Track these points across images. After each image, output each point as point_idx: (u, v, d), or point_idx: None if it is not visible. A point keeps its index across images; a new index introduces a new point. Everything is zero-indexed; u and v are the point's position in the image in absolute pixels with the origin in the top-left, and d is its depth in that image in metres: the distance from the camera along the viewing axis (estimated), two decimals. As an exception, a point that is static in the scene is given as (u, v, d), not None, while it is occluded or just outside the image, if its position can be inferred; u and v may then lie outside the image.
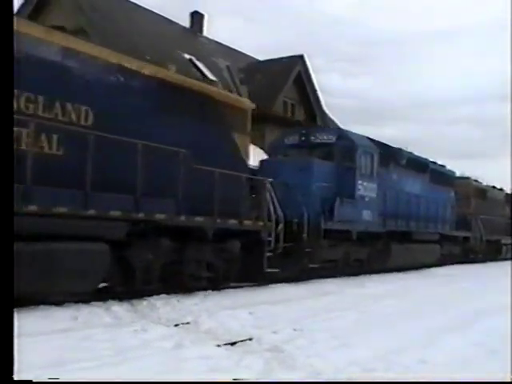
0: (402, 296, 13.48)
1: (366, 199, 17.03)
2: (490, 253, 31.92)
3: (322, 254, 15.02)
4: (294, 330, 8.19)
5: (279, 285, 13.62)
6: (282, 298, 11.53)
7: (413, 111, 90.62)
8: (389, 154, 19.20)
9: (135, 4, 27.48)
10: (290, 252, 13.99)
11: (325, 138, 16.93)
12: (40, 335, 6.81)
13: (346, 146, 16.59)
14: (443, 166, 25.94)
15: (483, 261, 29.97)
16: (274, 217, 13.30)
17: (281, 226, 13.46)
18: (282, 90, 29.01)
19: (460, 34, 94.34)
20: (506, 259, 32.82)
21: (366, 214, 17.07)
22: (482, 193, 32.40)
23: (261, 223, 12.82)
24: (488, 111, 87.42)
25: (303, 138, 17.00)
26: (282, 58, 30.09)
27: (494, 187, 35.98)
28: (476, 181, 32.58)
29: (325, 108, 32.64)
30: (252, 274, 12.76)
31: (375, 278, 17.46)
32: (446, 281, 18.38)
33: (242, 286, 12.64)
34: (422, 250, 21.41)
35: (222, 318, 8.71)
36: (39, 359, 5.67)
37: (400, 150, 20.74)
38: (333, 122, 34.22)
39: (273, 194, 13.52)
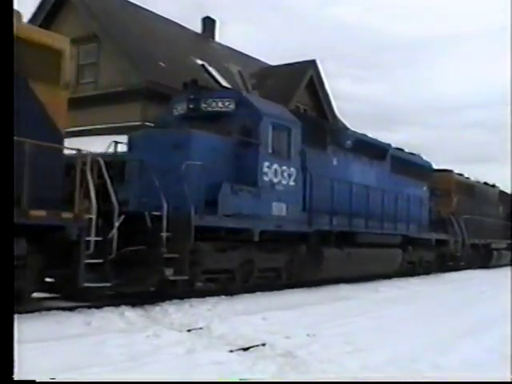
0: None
1: (279, 188, 12.82)
2: (477, 259, 27.27)
3: (200, 261, 10.88)
4: (307, 335, 8.17)
5: (292, 290, 13.59)
6: (294, 304, 11.49)
7: (425, 116, 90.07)
8: (323, 132, 15.51)
9: (148, 11, 27.62)
10: (139, 259, 9.93)
11: (220, 105, 12.74)
12: (53, 340, 6.83)
13: (246, 116, 12.46)
14: (414, 155, 21.56)
15: (467, 268, 25.39)
16: (115, 207, 9.50)
17: (118, 220, 9.50)
18: (295, 95, 28.99)
19: (472, 39, 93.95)
20: (499, 266, 29.20)
21: (279, 208, 12.85)
22: (468, 189, 27.83)
23: (68, 215, 8.64)
24: (501, 116, 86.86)
25: (191, 106, 12.93)
26: (294, 63, 30.09)
27: (485, 183, 31.43)
28: (461, 175, 28.00)
29: (337, 113, 32.61)
30: (65, 288, 9.51)
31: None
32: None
33: (254, 292, 12.61)
34: (374, 256, 16.84)
35: (235, 323, 8.70)
36: (53, 364, 5.69)
37: (344, 128, 17.53)
38: (345, 127, 34.14)
39: (106, 177, 9.57)
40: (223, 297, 11.44)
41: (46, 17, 24.06)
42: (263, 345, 7.33)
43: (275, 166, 12.78)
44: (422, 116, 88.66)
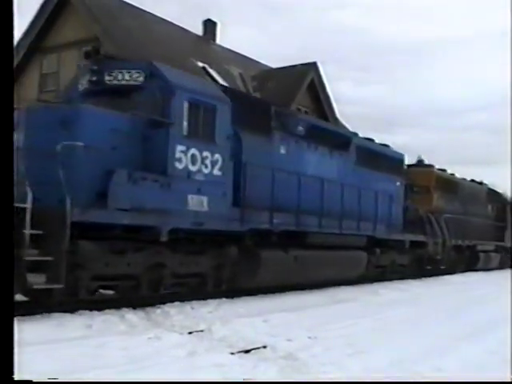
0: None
1: (198, 177, 10.68)
2: (461, 262, 25.03)
3: (87, 265, 8.89)
4: (309, 337, 8.16)
5: (293, 292, 13.58)
6: (296, 306, 11.48)
7: (426, 119, 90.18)
8: (266, 115, 13.11)
9: (149, 13, 27.63)
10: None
11: (127, 77, 10.60)
12: (54, 343, 6.83)
13: (157, 90, 10.38)
14: (385, 146, 19.35)
15: (450, 273, 22.97)
16: None
17: None
18: (296, 98, 28.98)
19: (473, 41, 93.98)
20: (486, 270, 27.32)
21: (197, 202, 10.69)
22: (451, 186, 25.44)
23: None
24: (502, 118, 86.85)
25: (94, 79, 10.74)
26: (295, 66, 30.09)
27: (472, 180, 29.18)
28: (443, 170, 25.73)
29: (338, 116, 32.61)
30: None
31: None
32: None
33: (256, 294, 12.60)
34: (331, 259, 14.54)
35: (236, 325, 8.70)
36: (53, 367, 5.69)
37: (294, 112, 14.78)
38: (346, 129, 34.14)
39: None
40: (224, 299, 11.43)
41: (47, 19, 24.08)
42: (264, 347, 7.33)
43: (193, 151, 10.59)
44: (422, 118, 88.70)
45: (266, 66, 32.80)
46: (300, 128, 14.11)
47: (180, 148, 10.37)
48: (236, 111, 11.60)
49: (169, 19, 28.87)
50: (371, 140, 18.41)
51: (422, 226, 21.05)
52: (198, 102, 10.75)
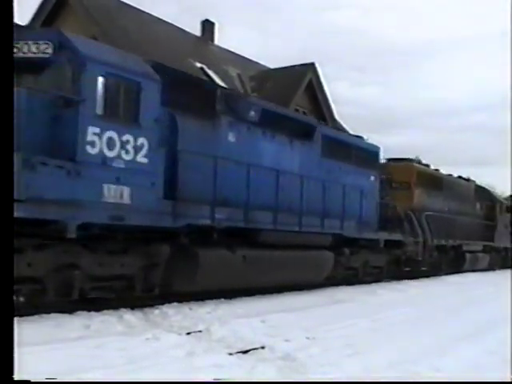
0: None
1: (117, 164, 9.13)
2: (445, 263, 23.52)
3: None
4: (307, 338, 8.16)
5: (291, 293, 13.57)
6: (294, 307, 11.48)
7: (423, 120, 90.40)
8: (211, 97, 11.75)
9: (147, 13, 27.62)
10: None
11: (34, 50, 9.06)
12: (53, 343, 6.82)
13: (67, 63, 8.91)
14: (358, 138, 18.21)
15: (433, 275, 21.77)
16: None
17: None
18: (294, 98, 28.97)
19: (472, 42, 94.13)
20: (473, 271, 25.90)
21: (116, 193, 9.10)
22: (434, 182, 23.74)
23: None
24: (501, 119, 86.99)
25: None
26: (293, 66, 30.07)
27: (460, 177, 27.77)
28: (426, 165, 23.98)
29: (336, 116, 32.61)
30: None
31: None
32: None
33: (253, 294, 12.59)
34: (288, 260, 12.98)
35: (235, 326, 8.69)
36: (52, 367, 5.68)
37: (245, 95, 13.21)
38: (345, 130, 34.16)
39: None
40: (223, 300, 11.43)
41: (45, 20, 24.03)
42: (263, 348, 7.32)
43: (110, 133, 9.04)
44: (419, 119, 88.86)
45: (264, 66, 32.81)
46: (252, 113, 12.57)
47: (93, 130, 8.78)
48: (172, 91, 10.24)
49: (167, 20, 28.89)
50: (342, 130, 17.19)
51: (401, 225, 19.29)
52: (117, 78, 9.24)
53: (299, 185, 13.54)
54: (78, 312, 8.86)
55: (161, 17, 28.53)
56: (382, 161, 20.61)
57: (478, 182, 30.52)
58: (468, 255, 25.56)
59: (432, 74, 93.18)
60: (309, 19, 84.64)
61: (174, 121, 10.59)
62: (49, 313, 8.52)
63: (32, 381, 4.65)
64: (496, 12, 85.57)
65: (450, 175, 26.77)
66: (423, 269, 20.97)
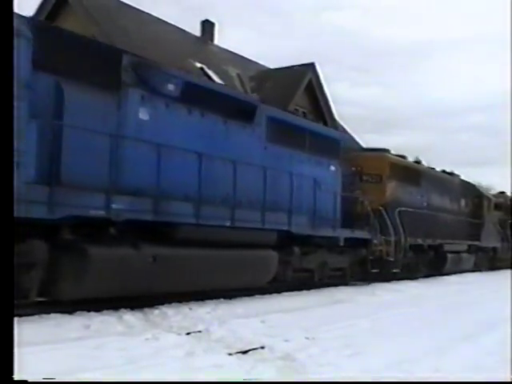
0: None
1: None
2: (422, 264, 21.34)
3: None
4: (307, 338, 8.16)
5: (291, 293, 13.58)
6: (294, 307, 11.48)
7: (422, 120, 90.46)
8: (113, 65, 9.82)
9: (147, 14, 27.63)
10: None
11: None
12: (52, 343, 6.82)
13: None
14: (320, 125, 16.87)
15: (406, 278, 19.37)
16: None
17: None
18: (293, 98, 28.98)
19: (470, 42, 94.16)
20: (456, 273, 23.83)
21: None
22: (411, 175, 21.32)
23: None
24: (499, 119, 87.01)
25: None
26: (292, 66, 30.08)
27: (444, 171, 25.84)
28: (402, 156, 21.65)
29: (336, 116, 32.60)
30: None
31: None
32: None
33: (253, 295, 12.59)
34: (215, 261, 11.09)
35: (234, 326, 8.69)
36: (52, 367, 5.67)
37: (162, 65, 11.12)
38: (344, 130, 34.17)
39: None
40: (222, 300, 11.43)
41: (45, 20, 24.06)
42: (262, 348, 7.32)
43: None
44: (419, 120, 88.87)
45: (264, 66, 32.82)
46: (171, 86, 10.66)
47: None
48: (59, 56, 8.78)
49: (167, 20, 28.91)
50: (297, 114, 14.61)
51: (370, 222, 17.04)
52: None
53: (232, 173, 11.57)
54: (78, 312, 8.87)
55: (161, 17, 28.58)
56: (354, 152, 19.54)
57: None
58: (450, 256, 23.36)
59: (432, 75, 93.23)
60: (308, 19, 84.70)
61: (60, 90, 8.71)
62: (49, 313, 8.53)
63: (31, 381, 4.66)
64: (496, 12, 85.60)
65: (433, 169, 24.93)
66: (395, 271, 18.68)
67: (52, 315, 8.47)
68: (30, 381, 4.64)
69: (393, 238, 18.25)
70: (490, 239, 29.64)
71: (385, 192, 19.08)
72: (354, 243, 16.08)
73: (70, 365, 5.93)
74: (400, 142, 72.08)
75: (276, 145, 13.30)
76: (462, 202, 26.77)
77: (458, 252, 24.32)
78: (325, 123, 30.30)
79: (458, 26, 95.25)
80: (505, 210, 33.00)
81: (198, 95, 11.27)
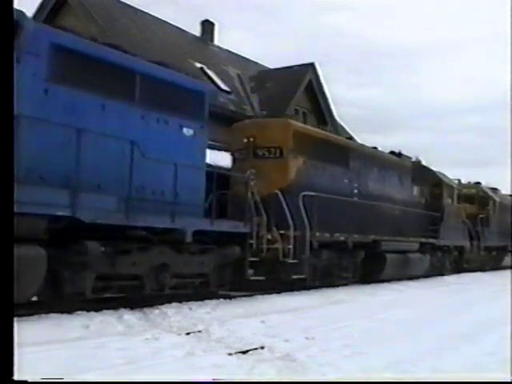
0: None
1: None
2: (340, 269, 15.70)
3: None
4: (306, 338, 8.16)
5: (291, 293, 13.57)
6: (293, 307, 11.48)
7: (420, 120, 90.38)
8: None
9: (147, 14, 27.63)
10: None
11: None
12: (53, 344, 6.81)
13: None
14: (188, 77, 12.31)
15: (311, 287, 14.42)
16: None
17: None
18: (293, 98, 28.97)
19: (469, 43, 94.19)
20: (411, 278, 19.63)
21: None
22: (332, 151, 16.10)
23: None
24: (498, 120, 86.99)
25: None
26: (292, 66, 30.07)
27: (392, 152, 20.30)
28: (323, 129, 18.36)
29: (336, 116, 32.59)
30: None
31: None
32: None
33: (253, 295, 12.58)
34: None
35: (234, 326, 8.70)
36: (52, 367, 5.68)
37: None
38: (344, 130, 34.16)
39: None
40: (222, 300, 11.43)
41: (45, 20, 24.00)
42: (262, 348, 7.32)
43: None
44: (420, 120, 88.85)
45: (263, 66, 32.80)
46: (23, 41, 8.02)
47: None
48: None
49: (167, 20, 28.89)
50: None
51: (255, 211, 12.61)
52: None
53: (121, 151, 9.15)
54: (78, 312, 8.86)
55: (161, 17, 28.56)
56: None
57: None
58: (390, 256, 17.79)
59: (431, 75, 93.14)
60: (307, 21, 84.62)
61: None
62: (48, 313, 8.53)
63: (31, 381, 4.66)
64: (495, 12, 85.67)
65: (375, 148, 19.25)
66: (295, 277, 13.62)
67: (52, 315, 8.46)
68: (29, 381, 4.64)
69: (292, 233, 13.49)
70: (454, 236, 24.16)
71: (287, 171, 14.20)
72: (225, 239, 11.73)
73: (69, 365, 5.93)
74: (400, 143, 72.22)
75: (65, 85, 8.98)
76: (415, 191, 21.35)
77: (403, 252, 19.04)
78: (325, 123, 30.33)
79: (457, 26, 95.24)
80: (478, 204, 28.37)
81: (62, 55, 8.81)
